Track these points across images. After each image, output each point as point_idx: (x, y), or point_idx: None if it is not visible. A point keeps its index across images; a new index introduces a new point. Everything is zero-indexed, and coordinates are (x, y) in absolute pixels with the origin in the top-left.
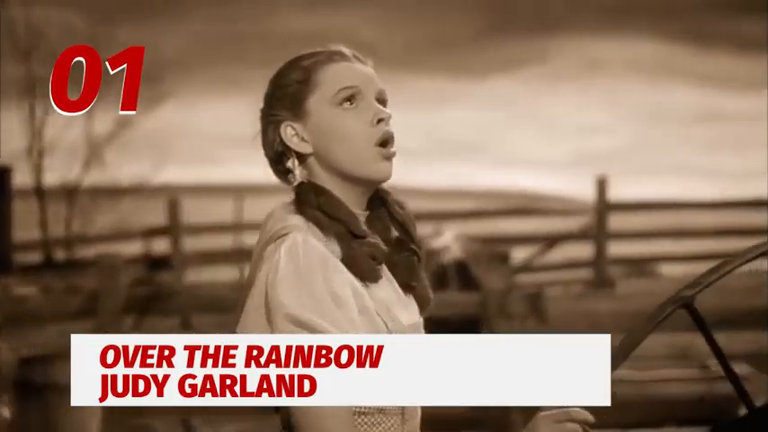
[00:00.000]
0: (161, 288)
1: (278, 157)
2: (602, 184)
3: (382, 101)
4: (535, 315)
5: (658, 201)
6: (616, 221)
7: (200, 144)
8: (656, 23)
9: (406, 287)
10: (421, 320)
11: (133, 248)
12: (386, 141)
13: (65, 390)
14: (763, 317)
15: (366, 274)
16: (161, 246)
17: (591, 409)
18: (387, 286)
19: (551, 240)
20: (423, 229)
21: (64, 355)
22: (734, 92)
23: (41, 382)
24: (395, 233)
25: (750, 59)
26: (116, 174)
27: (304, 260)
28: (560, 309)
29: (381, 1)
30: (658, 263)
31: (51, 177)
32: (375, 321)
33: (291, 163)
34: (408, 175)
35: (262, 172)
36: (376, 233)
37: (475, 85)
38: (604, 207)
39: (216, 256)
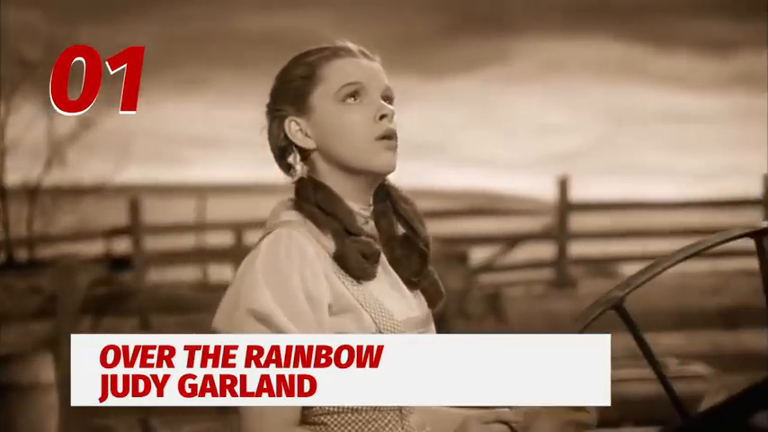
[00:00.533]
0: (120, 288)
1: (281, 152)
2: (563, 184)
3: (388, 97)
4: (494, 315)
5: (620, 201)
6: (577, 221)
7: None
8: (616, 24)
9: (411, 283)
10: (425, 315)
11: (95, 248)
12: (387, 136)
13: (24, 389)
14: (722, 317)
15: (356, 272)
16: (122, 246)
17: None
18: (383, 282)
19: (512, 240)
20: None
21: (24, 354)
22: (694, 92)
23: (1, 382)
24: (401, 229)
25: (710, 60)
26: (78, 174)
27: (283, 255)
28: (521, 309)
29: (340, 1)
30: (619, 263)
31: (13, 177)
32: (361, 319)
33: (293, 158)
34: None
35: (224, 172)
36: (381, 229)
37: (435, 85)
38: (566, 207)
39: (178, 256)
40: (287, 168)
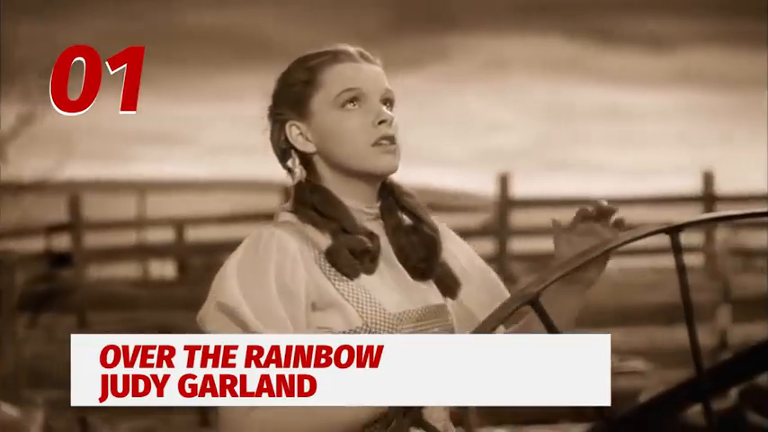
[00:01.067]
0: (58, 285)
1: (282, 154)
2: (504, 181)
3: (388, 100)
4: None
5: (561, 197)
6: (519, 218)
7: (103, 140)
8: (560, 21)
9: (421, 273)
10: (434, 307)
11: (35, 245)
12: (385, 140)
13: None
14: (661, 313)
15: (344, 269)
16: (63, 242)
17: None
18: (384, 276)
19: None
20: None
21: None
22: (636, 89)
23: None
24: (408, 221)
25: (652, 57)
26: (18, 170)
27: (261, 251)
28: None
29: None
30: None
31: None
32: (345, 314)
33: (292, 162)
34: None
35: (166, 168)
36: (387, 223)
37: None
38: (506, 203)
39: (118, 252)
40: (288, 171)
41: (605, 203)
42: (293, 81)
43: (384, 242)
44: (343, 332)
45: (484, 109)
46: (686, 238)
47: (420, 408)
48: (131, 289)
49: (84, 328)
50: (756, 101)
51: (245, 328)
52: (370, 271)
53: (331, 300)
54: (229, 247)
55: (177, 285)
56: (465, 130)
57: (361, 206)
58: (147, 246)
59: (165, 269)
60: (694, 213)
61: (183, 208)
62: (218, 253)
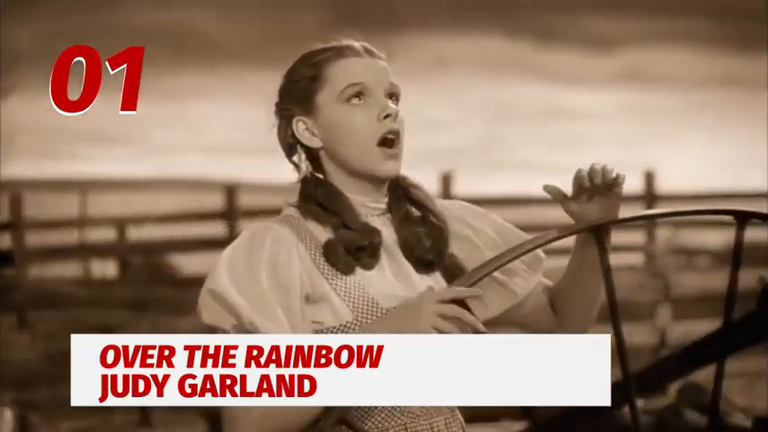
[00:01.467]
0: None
1: (289, 149)
2: (446, 180)
3: (393, 94)
4: None
5: (503, 196)
6: None
7: (44, 139)
8: (500, 20)
9: (427, 265)
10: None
11: None
12: (389, 140)
13: None
14: (600, 311)
15: (338, 265)
16: (4, 241)
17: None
18: (384, 271)
19: None
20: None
21: None
22: (579, 88)
23: None
24: (416, 212)
25: (594, 56)
26: None
27: (257, 243)
28: None
29: None
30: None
31: None
32: (335, 308)
33: (297, 158)
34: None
35: (107, 167)
36: (395, 216)
37: None
38: None
39: (60, 251)
40: (295, 166)
41: (598, 169)
42: (299, 77)
43: (391, 237)
44: (334, 327)
45: (426, 108)
46: (628, 237)
47: (346, 408)
48: (72, 288)
49: (25, 327)
50: (697, 100)
51: (236, 315)
52: (368, 266)
53: (323, 294)
54: (172, 246)
55: (118, 285)
56: (407, 130)
57: (366, 202)
58: (89, 245)
59: (106, 268)
60: (637, 212)
61: (125, 207)
62: (160, 252)
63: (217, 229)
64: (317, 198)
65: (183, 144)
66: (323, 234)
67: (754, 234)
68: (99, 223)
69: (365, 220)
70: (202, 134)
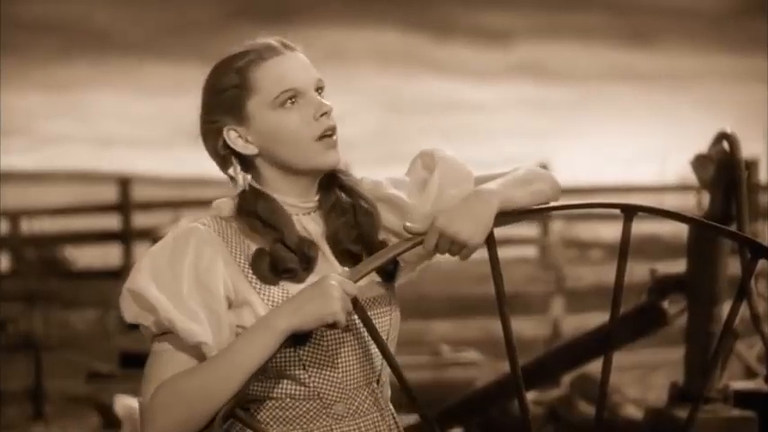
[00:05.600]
0: None
1: (222, 162)
2: None
3: (320, 88)
4: None
5: None
6: None
7: None
8: (396, 13)
9: (347, 256)
10: (367, 298)
11: None
12: (328, 134)
13: None
14: (494, 304)
15: (260, 277)
16: None
17: None
18: (316, 275)
19: None
20: (162, 218)
21: None
22: (474, 82)
23: None
24: (346, 199)
25: (489, 50)
26: None
27: (178, 243)
28: None
29: None
30: None
31: None
32: (257, 314)
33: (233, 170)
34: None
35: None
36: (325, 208)
37: None
38: None
39: None
40: (231, 179)
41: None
42: (224, 86)
43: (319, 232)
44: None
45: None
46: (521, 230)
47: (233, 406)
48: None
49: None
50: (593, 94)
51: (154, 312)
52: (300, 280)
53: (245, 299)
54: (66, 239)
55: (11, 278)
56: None
57: (299, 202)
58: None
59: None
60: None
61: (18, 199)
62: (54, 245)
63: (111, 221)
64: (257, 212)
65: (74, 136)
66: (252, 240)
67: (647, 227)
68: None
69: (301, 235)
70: (93, 126)
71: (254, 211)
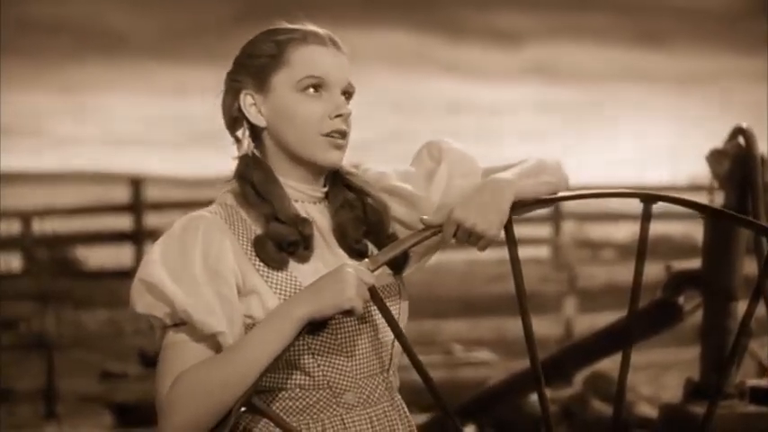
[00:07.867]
0: None
1: (232, 122)
2: None
3: (347, 92)
4: None
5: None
6: None
7: None
8: (408, 15)
9: (356, 252)
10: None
11: None
12: (336, 134)
13: None
14: (507, 303)
15: (269, 262)
16: None
17: None
18: (319, 261)
19: None
20: (174, 218)
21: None
22: (486, 83)
23: None
24: (355, 199)
25: (500, 51)
26: None
27: (188, 233)
28: None
29: None
30: None
31: None
32: (266, 302)
33: (242, 133)
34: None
35: (10, 160)
36: (334, 204)
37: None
38: None
39: None
40: (236, 140)
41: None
42: (259, 52)
43: (327, 226)
44: None
45: None
46: (534, 230)
47: (249, 396)
48: None
49: None
50: (604, 95)
51: (169, 304)
52: (303, 259)
53: (253, 287)
54: (78, 239)
55: (24, 278)
56: None
57: (304, 188)
58: None
59: (11, 261)
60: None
61: (29, 200)
62: (65, 245)
63: (123, 222)
64: (252, 180)
65: (86, 137)
66: (256, 226)
67: (659, 228)
68: (4, 216)
69: (296, 211)
70: (105, 127)
71: (251, 178)
